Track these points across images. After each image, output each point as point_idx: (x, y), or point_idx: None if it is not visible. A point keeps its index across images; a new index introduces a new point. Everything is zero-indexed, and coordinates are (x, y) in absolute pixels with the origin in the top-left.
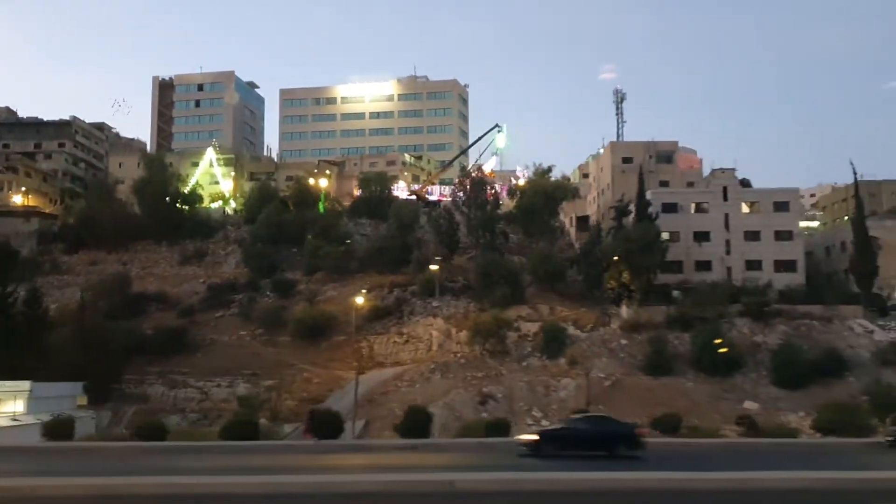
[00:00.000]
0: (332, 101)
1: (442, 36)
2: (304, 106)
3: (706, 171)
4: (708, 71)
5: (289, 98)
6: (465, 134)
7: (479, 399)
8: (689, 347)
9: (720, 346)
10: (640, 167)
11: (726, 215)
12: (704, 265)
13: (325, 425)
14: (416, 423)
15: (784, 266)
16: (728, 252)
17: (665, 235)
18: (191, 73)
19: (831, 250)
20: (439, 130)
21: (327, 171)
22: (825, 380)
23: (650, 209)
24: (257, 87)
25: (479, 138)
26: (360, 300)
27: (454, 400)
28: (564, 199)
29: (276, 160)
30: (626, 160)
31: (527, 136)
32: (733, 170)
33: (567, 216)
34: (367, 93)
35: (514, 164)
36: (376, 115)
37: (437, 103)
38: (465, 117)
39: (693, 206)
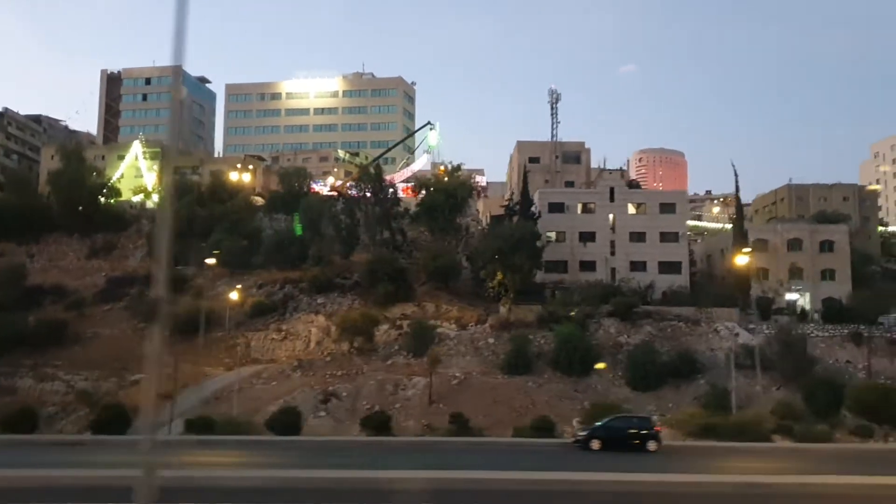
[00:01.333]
0: (276, 96)
1: (396, 36)
2: (249, 101)
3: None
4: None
5: (234, 93)
6: (410, 131)
7: (321, 398)
8: (552, 346)
9: (584, 352)
10: (524, 167)
11: (612, 216)
12: (589, 265)
13: (110, 421)
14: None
15: (668, 268)
16: (613, 253)
17: (551, 235)
18: (139, 67)
19: (725, 252)
20: (383, 127)
21: (250, 167)
22: (677, 382)
23: (533, 208)
24: (209, 82)
25: (409, 135)
26: (234, 296)
27: (295, 398)
28: (468, 198)
29: (220, 155)
30: (533, 160)
31: (480, 135)
32: (620, 170)
33: (484, 214)
34: (312, 89)
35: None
36: (320, 112)
37: (381, 100)
38: (411, 115)
39: (580, 206)
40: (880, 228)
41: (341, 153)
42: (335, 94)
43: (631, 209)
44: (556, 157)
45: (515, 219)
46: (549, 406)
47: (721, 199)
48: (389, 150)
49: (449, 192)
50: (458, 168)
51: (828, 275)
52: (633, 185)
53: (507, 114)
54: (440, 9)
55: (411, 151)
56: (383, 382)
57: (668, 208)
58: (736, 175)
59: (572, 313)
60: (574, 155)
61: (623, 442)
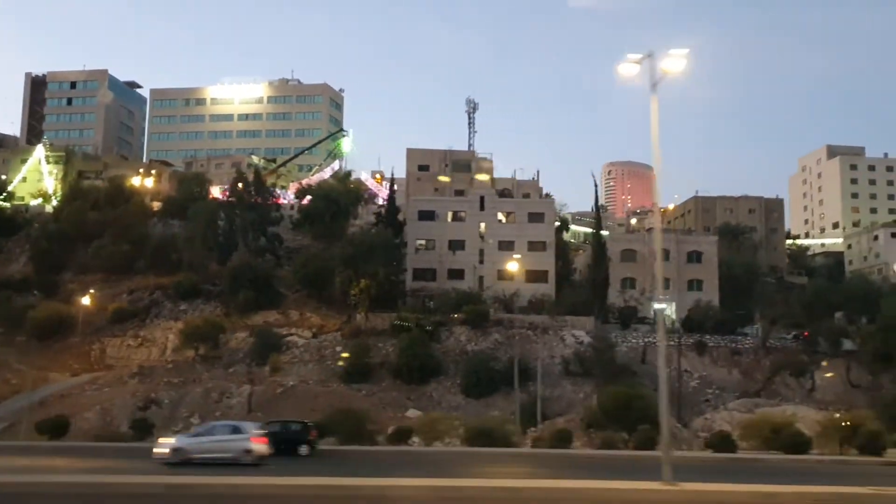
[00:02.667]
0: (201, 102)
1: (327, 44)
2: (174, 106)
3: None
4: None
5: (158, 98)
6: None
7: (141, 405)
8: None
9: (425, 361)
10: (390, 178)
11: (482, 224)
12: (458, 273)
13: None
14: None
15: (536, 276)
16: (482, 261)
17: (421, 242)
18: (64, 71)
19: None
20: (308, 134)
21: (153, 171)
22: (510, 389)
23: (399, 216)
24: (139, 86)
25: (319, 142)
26: (86, 300)
27: (115, 404)
28: (353, 205)
29: (147, 160)
30: (423, 167)
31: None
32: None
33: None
34: (238, 95)
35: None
36: (245, 118)
37: (306, 107)
38: (338, 122)
39: (450, 214)
40: (788, 241)
41: (255, 159)
42: (260, 100)
43: (501, 218)
44: (446, 165)
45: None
46: (369, 414)
47: (638, 211)
48: (296, 156)
49: (330, 199)
50: (349, 175)
51: (695, 285)
52: (504, 194)
53: (450, 120)
54: (388, 18)
55: (336, 158)
56: (210, 390)
57: (536, 217)
58: (596, 187)
59: (415, 322)
60: (464, 163)
61: (276, 446)
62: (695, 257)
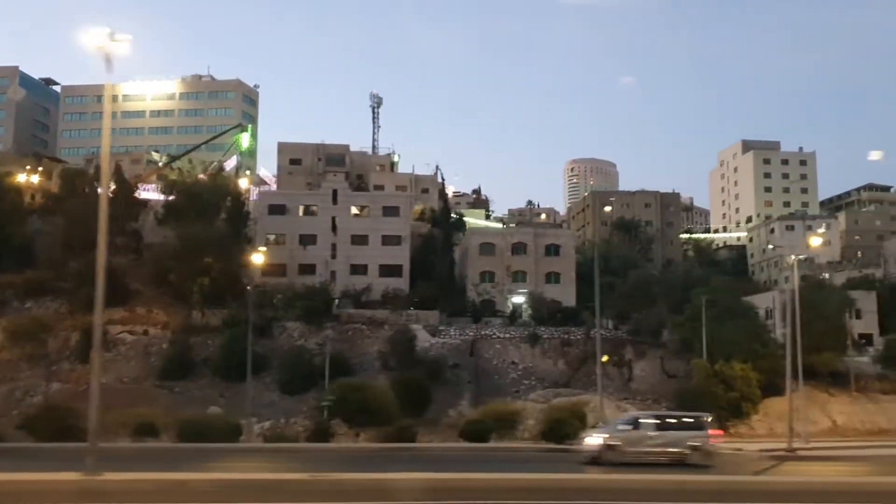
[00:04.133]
0: (113, 98)
1: (260, 42)
2: (85, 103)
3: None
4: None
5: (70, 95)
6: (251, 134)
7: None
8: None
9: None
10: (226, 167)
11: (334, 218)
12: (309, 269)
13: None
14: None
15: (390, 271)
16: (334, 256)
17: (271, 237)
18: None
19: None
20: (220, 130)
21: (39, 168)
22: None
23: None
24: (56, 84)
25: (214, 137)
26: None
27: None
28: (221, 201)
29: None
30: (294, 161)
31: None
32: (345, 173)
33: None
34: (150, 91)
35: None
36: (157, 114)
37: (218, 103)
38: (252, 118)
39: (302, 208)
40: (685, 235)
41: (156, 155)
42: (172, 97)
43: (354, 212)
44: (319, 159)
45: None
46: (171, 411)
47: (544, 209)
48: (190, 151)
49: (193, 195)
50: (222, 170)
51: (552, 278)
52: (361, 188)
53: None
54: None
55: (235, 153)
56: (14, 389)
57: (391, 211)
58: (442, 179)
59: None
60: (337, 158)
61: None
62: (553, 250)
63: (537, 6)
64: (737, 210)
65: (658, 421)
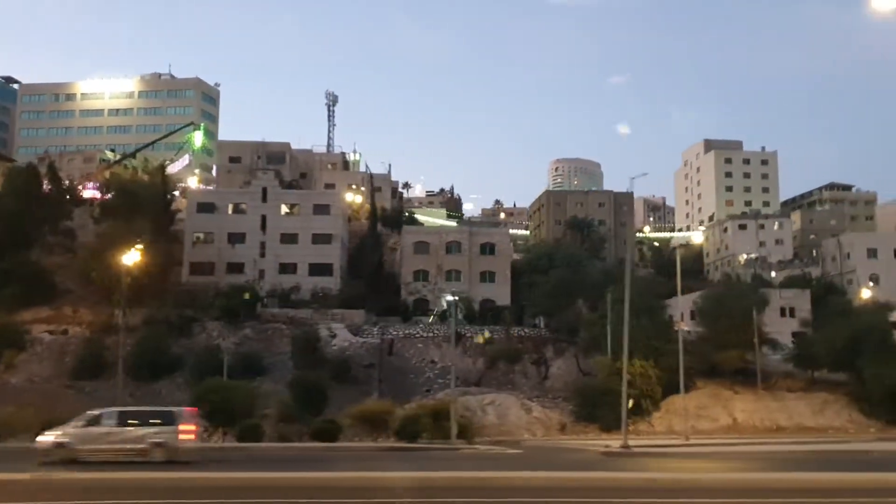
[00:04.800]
0: (71, 97)
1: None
2: (43, 101)
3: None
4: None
5: (28, 93)
6: (210, 133)
7: None
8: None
9: (158, 357)
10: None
11: (264, 217)
12: (238, 267)
13: None
14: None
15: (320, 269)
16: (263, 255)
17: (200, 235)
18: None
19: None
20: (184, 129)
21: None
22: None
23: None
24: (16, 82)
25: (165, 136)
26: None
27: None
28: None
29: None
30: (234, 160)
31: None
32: (277, 170)
33: None
34: (108, 89)
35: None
36: (115, 113)
37: (177, 101)
38: (212, 117)
39: (231, 206)
40: (640, 234)
41: (109, 154)
42: (131, 95)
43: (284, 210)
44: (259, 157)
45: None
46: (69, 412)
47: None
48: (139, 150)
49: (127, 193)
50: (163, 167)
51: (487, 276)
52: (291, 185)
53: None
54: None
55: (187, 152)
56: None
57: (322, 209)
58: (371, 177)
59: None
60: (278, 156)
61: None
62: (488, 249)
63: (526, 6)
64: (699, 209)
65: (119, 417)
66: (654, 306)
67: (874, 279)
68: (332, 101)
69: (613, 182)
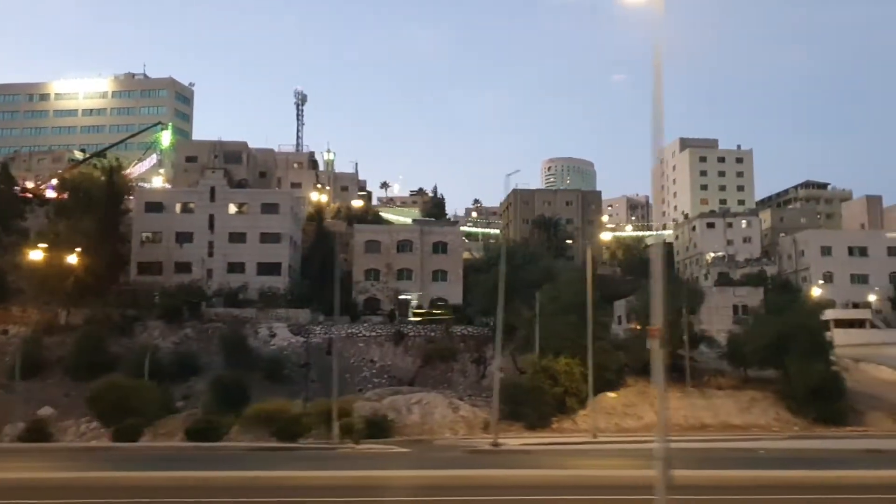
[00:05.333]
0: (45, 97)
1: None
2: (17, 101)
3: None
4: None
5: (2, 93)
6: (184, 133)
7: None
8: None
9: (96, 356)
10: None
11: (212, 216)
12: (186, 267)
13: None
14: None
15: (268, 269)
16: (211, 254)
17: (148, 235)
18: None
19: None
20: (152, 129)
21: None
22: (176, 382)
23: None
24: None
25: (133, 135)
26: None
27: None
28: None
29: None
30: (190, 159)
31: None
32: (226, 168)
33: None
34: (83, 89)
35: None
36: (89, 113)
37: (151, 101)
38: (186, 116)
39: (179, 206)
40: (608, 234)
41: (78, 154)
42: (104, 95)
43: (232, 209)
44: (216, 156)
45: None
46: None
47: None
48: (107, 150)
49: (83, 193)
50: (120, 167)
51: (439, 275)
52: (242, 184)
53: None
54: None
55: (155, 151)
56: None
57: (270, 208)
58: (335, 176)
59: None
60: (235, 155)
61: None
62: (441, 248)
63: (522, 4)
64: (675, 208)
65: None
66: (584, 304)
67: (827, 277)
68: (301, 100)
69: (606, 181)
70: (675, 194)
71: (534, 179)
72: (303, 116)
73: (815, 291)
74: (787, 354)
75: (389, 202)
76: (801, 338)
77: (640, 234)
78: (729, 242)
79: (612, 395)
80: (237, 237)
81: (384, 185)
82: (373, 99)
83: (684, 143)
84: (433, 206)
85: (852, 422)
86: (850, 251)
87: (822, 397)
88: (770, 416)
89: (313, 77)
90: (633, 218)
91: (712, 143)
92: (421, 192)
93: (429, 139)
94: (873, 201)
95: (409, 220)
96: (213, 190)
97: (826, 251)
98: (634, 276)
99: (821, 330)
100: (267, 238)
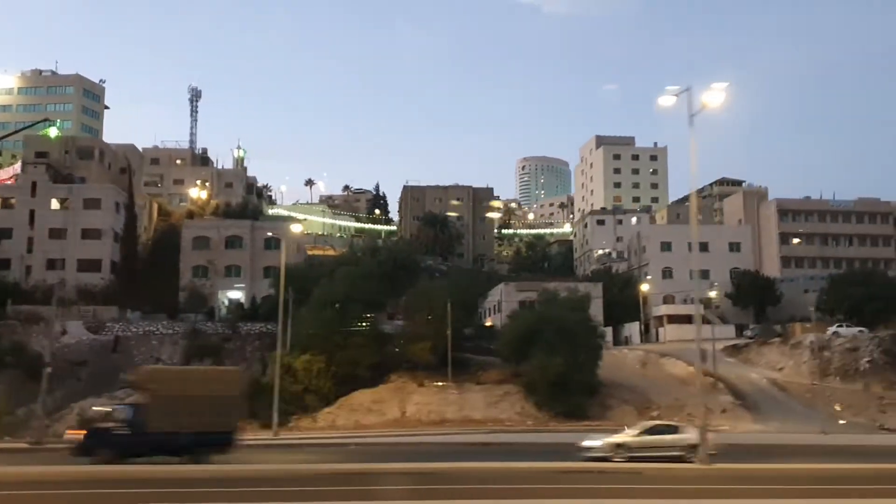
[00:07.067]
0: None
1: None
2: None
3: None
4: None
5: None
6: (92, 130)
7: None
8: None
9: None
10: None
11: (33, 211)
12: (5, 264)
13: None
14: None
15: (89, 265)
16: (30, 250)
17: None
18: None
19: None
20: (58, 126)
21: None
22: None
23: None
24: None
25: (16, 131)
26: None
27: None
28: None
29: None
30: (40, 154)
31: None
32: (48, 163)
33: None
34: None
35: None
36: None
37: (58, 98)
38: (95, 114)
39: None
40: (507, 231)
41: None
42: (11, 92)
43: (55, 205)
44: (66, 152)
45: None
46: None
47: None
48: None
49: None
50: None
51: (271, 272)
52: (68, 178)
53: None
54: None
55: None
56: None
57: (92, 204)
58: (131, 174)
59: None
60: (87, 150)
61: None
62: (273, 244)
63: (519, 14)
64: (591, 205)
65: None
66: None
67: (666, 272)
68: (196, 96)
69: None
70: (592, 192)
71: (508, 180)
72: (196, 112)
73: (644, 287)
74: (533, 348)
75: (329, 201)
76: (546, 331)
77: (541, 231)
78: (619, 239)
79: (366, 392)
80: (57, 233)
81: (309, 183)
82: (338, 98)
83: (600, 141)
84: (374, 205)
85: (597, 416)
86: (689, 246)
87: (566, 391)
88: (515, 411)
89: (269, 74)
90: (563, 214)
91: (629, 141)
92: (362, 191)
93: (431, 141)
94: (750, 195)
95: (319, 219)
96: (34, 185)
97: (666, 246)
98: (531, 272)
99: (568, 323)
100: (88, 234)
